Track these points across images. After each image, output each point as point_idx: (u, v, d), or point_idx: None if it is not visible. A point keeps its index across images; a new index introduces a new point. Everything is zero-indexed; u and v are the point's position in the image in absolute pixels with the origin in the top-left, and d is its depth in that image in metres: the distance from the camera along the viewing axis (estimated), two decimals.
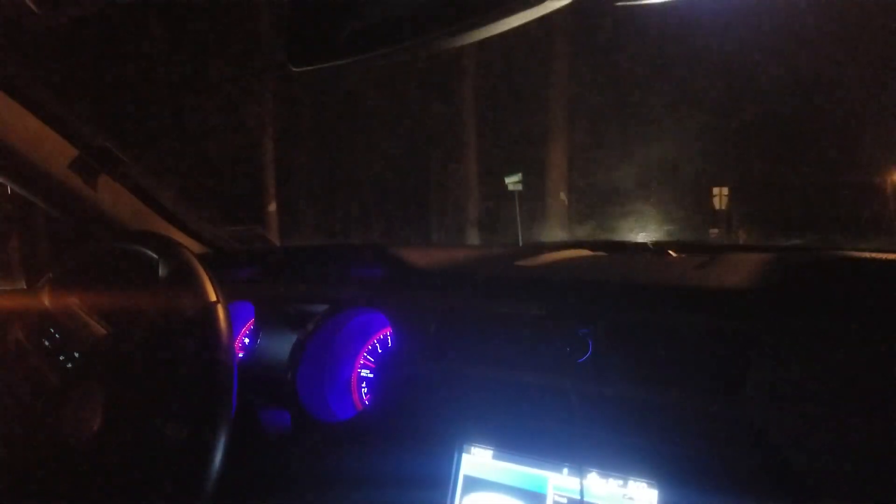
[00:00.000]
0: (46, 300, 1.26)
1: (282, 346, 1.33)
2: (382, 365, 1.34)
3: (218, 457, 0.89)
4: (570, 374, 1.01)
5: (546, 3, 0.58)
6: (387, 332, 1.36)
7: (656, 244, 1.33)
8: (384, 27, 0.70)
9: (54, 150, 1.35)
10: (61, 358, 1.19)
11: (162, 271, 1.08)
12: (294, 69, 0.75)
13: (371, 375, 1.36)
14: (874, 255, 1.04)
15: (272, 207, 10.62)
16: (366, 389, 1.35)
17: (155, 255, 1.10)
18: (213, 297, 0.99)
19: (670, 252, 1.28)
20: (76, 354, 1.17)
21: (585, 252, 1.35)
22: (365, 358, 1.38)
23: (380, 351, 1.37)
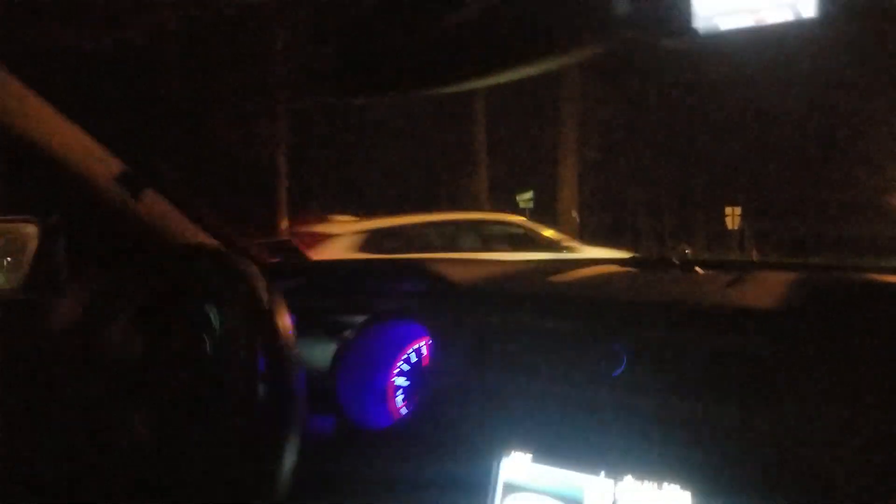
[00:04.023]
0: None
1: (321, 354, 1.39)
2: (419, 374, 1.40)
3: (290, 457, 0.95)
4: (606, 386, 1.07)
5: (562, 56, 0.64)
6: (422, 342, 1.41)
7: (683, 261, 1.39)
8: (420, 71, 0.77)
9: (101, 166, 1.41)
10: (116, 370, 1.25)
11: (219, 283, 1.14)
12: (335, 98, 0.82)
13: (407, 383, 1.41)
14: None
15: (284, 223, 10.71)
16: (402, 397, 1.41)
17: (212, 267, 1.16)
18: (273, 303, 1.06)
19: (697, 269, 1.34)
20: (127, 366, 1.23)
21: (615, 268, 1.41)
22: (400, 367, 1.43)
23: (414, 360, 1.43)
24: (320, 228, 6.69)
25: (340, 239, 6.35)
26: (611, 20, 0.90)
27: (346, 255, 5.95)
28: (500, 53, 0.78)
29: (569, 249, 7.15)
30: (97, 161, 1.42)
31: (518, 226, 7.70)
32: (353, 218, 7.37)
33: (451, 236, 7.22)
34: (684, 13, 0.84)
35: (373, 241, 6.43)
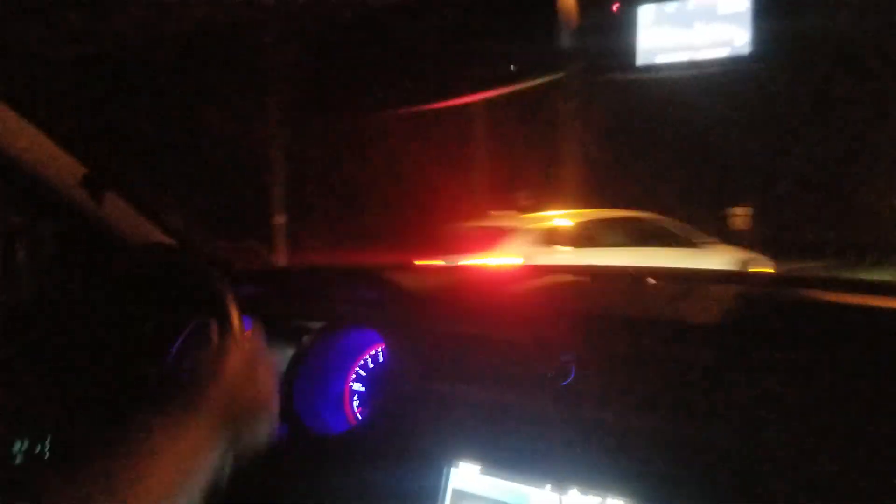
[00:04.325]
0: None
1: (278, 359, 1.39)
2: (374, 380, 1.41)
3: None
4: (554, 397, 1.09)
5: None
6: (378, 349, 1.42)
7: (637, 271, 1.41)
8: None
9: (63, 168, 1.40)
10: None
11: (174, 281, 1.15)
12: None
13: (363, 389, 1.42)
14: (843, 295, 1.13)
15: (279, 220, 10.45)
16: (357, 403, 1.42)
17: (167, 266, 1.16)
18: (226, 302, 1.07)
19: (650, 280, 1.36)
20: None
21: (570, 278, 1.43)
22: (357, 373, 1.44)
23: (371, 366, 1.44)
24: (492, 223, 7.15)
25: (524, 233, 6.78)
26: (559, 54, 0.91)
27: (530, 248, 6.36)
28: (457, 80, 0.79)
29: (709, 246, 7.76)
30: (58, 163, 1.41)
31: (660, 223, 8.14)
32: (513, 212, 7.90)
33: (603, 231, 7.51)
34: (628, 49, 0.86)
35: (547, 235, 6.89)
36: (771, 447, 0.92)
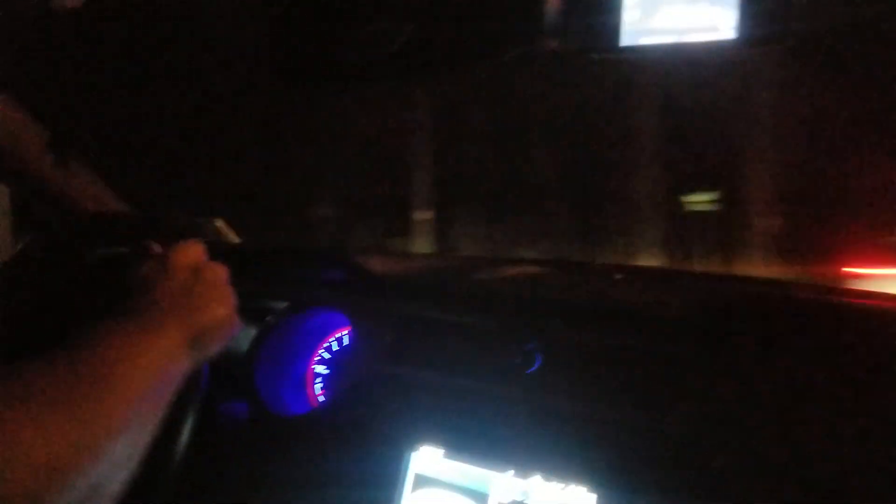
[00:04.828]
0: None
1: (242, 339, 1.37)
2: (339, 362, 1.40)
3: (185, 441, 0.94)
4: (519, 384, 1.10)
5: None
6: (344, 331, 1.41)
7: (603, 266, 1.43)
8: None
9: (28, 133, 1.37)
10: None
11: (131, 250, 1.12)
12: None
13: (326, 371, 1.41)
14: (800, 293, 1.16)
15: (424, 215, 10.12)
16: (321, 385, 1.41)
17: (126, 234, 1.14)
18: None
19: (616, 274, 1.38)
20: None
21: (537, 269, 1.44)
22: (320, 355, 1.43)
23: (336, 348, 1.43)
24: None
25: None
26: (539, 28, 0.91)
27: None
28: (433, 54, 0.78)
29: None
30: (24, 127, 1.37)
31: None
32: None
33: None
34: (611, 28, 0.86)
35: None
36: (727, 438, 0.94)
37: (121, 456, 0.68)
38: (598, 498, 0.95)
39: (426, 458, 1.08)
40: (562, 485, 0.98)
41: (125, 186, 1.56)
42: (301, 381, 1.41)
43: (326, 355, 1.42)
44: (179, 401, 0.93)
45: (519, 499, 1.00)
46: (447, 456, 1.06)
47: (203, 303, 0.93)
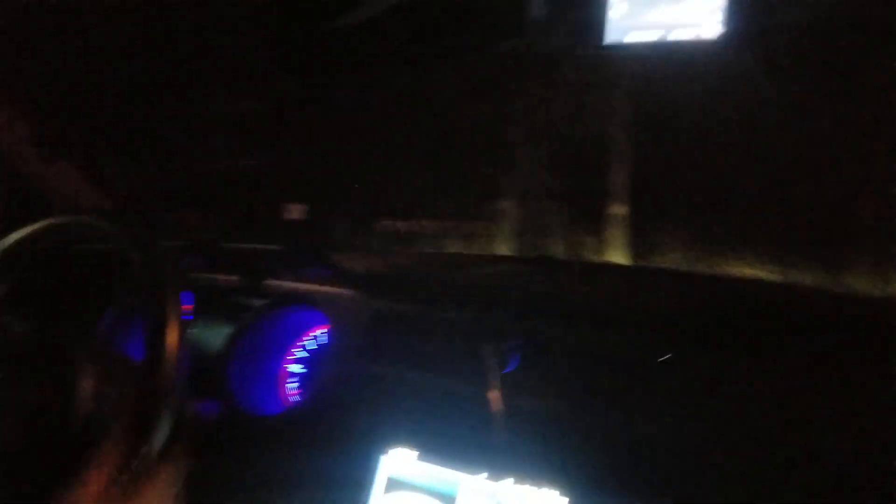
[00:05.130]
0: None
1: (217, 336, 1.35)
2: (315, 361, 1.38)
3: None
4: (496, 385, 1.08)
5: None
6: (320, 330, 1.39)
7: (583, 265, 1.41)
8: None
9: (15, 130, 1.35)
10: None
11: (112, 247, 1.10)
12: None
13: (303, 370, 1.39)
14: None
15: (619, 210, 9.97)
16: (295, 385, 1.39)
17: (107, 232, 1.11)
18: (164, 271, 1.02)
19: (595, 273, 1.36)
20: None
21: (517, 266, 1.42)
22: (298, 353, 1.41)
23: (313, 347, 1.41)
24: None
25: None
26: (526, 22, 0.90)
27: None
28: (424, 44, 0.77)
29: None
30: (11, 125, 1.36)
31: None
32: None
33: None
34: (598, 23, 0.85)
35: None
36: (701, 441, 0.93)
37: None
38: (570, 501, 0.94)
39: (399, 461, 1.06)
40: (534, 488, 0.97)
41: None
42: (274, 380, 1.38)
43: (304, 354, 1.40)
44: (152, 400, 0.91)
45: (487, 502, 0.98)
46: (421, 458, 1.05)
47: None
